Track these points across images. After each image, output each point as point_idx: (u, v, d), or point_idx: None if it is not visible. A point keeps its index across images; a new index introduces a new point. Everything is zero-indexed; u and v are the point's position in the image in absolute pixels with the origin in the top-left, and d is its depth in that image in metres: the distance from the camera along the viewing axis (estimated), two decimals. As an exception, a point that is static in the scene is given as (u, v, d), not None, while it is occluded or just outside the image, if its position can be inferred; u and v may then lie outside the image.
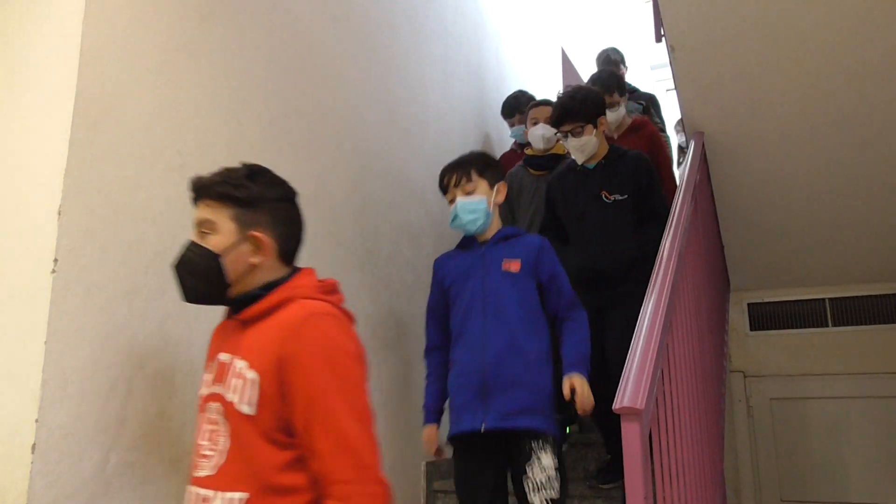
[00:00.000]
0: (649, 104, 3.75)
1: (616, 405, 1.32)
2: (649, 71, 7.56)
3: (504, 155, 3.68)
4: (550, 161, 3.09)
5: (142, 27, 1.61)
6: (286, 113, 2.11)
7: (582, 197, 2.58)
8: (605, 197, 2.52)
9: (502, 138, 3.93)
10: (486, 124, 3.81)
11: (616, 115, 3.05)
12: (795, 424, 3.84)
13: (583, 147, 2.53)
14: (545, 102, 3.18)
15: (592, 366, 2.03)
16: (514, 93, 3.66)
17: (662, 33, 2.64)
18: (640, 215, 2.51)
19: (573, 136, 2.52)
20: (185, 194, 1.68)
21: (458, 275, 2.10)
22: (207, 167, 1.76)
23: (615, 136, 3.06)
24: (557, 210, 2.68)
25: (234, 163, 1.85)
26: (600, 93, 2.71)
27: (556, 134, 2.65)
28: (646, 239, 2.42)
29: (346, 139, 2.44)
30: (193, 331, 1.66)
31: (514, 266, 2.02)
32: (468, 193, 2.05)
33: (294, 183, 2.11)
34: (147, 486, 1.48)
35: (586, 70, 5.77)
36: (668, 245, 1.96)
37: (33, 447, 1.27)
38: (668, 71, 2.80)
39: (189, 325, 1.65)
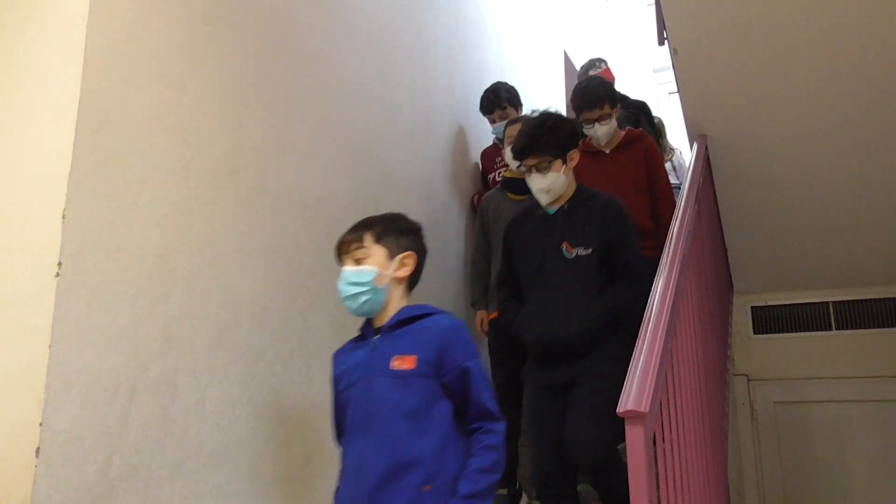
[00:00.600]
0: (640, 112, 3.54)
1: (620, 408, 1.31)
2: (652, 74, 7.57)
3: (484, 150, 3.58)
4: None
5: (145, 31, 1.62)
6: (289, 116, 2.11)
7: (539, 249, 2.18)
8: (567, 250, 2.13)
9: (505, 141, 3.93)
10: (489, 127, 3.81)
11: (607, 129, 2.77)
12: (799, 428, 3.82)
13: (549, 187, 2.14)
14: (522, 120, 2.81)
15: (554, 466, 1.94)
16: (492, 86, 3.40)
17: (665, 36, 2.63)
18: (610, 273, 2.13)
19: (538, 171, 2.14)
20: (189, 197, 1.69)
21: (347, 376, 1.64)
22: (210, 170, 1.77)
23: (607, 152, 2.82)
24: (514, 262, 2.27)
25: (236, 166, 1.86)
26: (577, 118, 2.39)
27: (518, 167, 2.26)
28: (613, 303, 2.07)
29: (349, 142, 2.44)
30: (197, 334, 1.66)
31: (406, 364, 1.53)
32: (357, 262, 1.64)
33: (297, 187, 2.13)
34: (151, 489, 1.48)
35: (589, 73, 5.75)
36: (671, 248, 1.95)
37: (37, 451, 1.27)
38: (671, 74, 2.80)
39: (193, 328, 1.65)
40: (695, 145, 2.85)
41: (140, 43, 1.60)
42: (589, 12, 6.66)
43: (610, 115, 2.77)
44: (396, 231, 1.70)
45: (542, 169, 2.13)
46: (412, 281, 1.72)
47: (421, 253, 1.73)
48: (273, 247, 1.97)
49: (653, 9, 3.13)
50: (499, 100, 3.32)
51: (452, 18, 3.53)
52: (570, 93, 2.95)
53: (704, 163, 2.81)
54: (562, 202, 2.20)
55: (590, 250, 2.11)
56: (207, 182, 1.75)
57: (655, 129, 3.68)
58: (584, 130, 2.80)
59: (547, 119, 2.18)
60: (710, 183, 3.03)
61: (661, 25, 2.66)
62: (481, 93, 3.52)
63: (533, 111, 2.33)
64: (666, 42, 2.66)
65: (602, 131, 2.76)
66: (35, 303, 1.34)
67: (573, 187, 2.23)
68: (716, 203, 3.23)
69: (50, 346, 1.31)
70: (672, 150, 4.37)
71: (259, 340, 1.86)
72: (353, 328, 2.34)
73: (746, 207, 3.29)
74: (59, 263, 1.35)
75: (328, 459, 2.06)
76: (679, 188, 4.26)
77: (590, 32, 6.52)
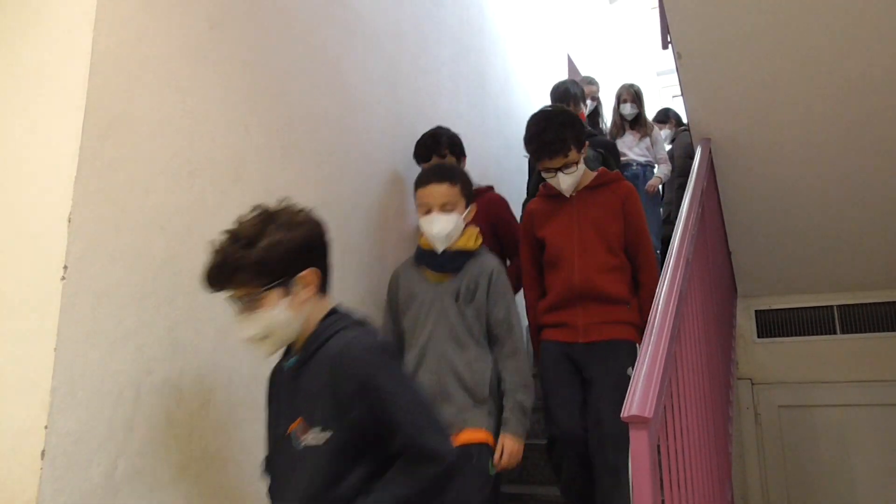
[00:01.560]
0: (609, 154, 3.11)
1: (624, 413, 1.31)
2: (655, 77, 7.56)
3: None
4: (455, 261, 2.14)
5: (150, 36, 1.62)
6: (293, 120, 2.12)
7: (279, 432, 1.41)
8: (296, 436, 1.34)
9: (508, 144, 3.93)
10: (492, 132, 3.81)
11: (574, 179, 2.24)
12: (803, 432, 3.81)
13: (264, 332, 1.35)
14: (436, 176, 2.15)
15: None
16: (432, 130, 2.79)
17: (669, 40, 2.64)
18: (383, 459, 1.30)
19: (246, 310, 1.35)
20: (194, 201, 1.70)
21: None
22: (215, 174, 1.78)
23: (573, 195, 2.29)
24: (269, 438, 1.48)
25: (241, 171, 1.87)
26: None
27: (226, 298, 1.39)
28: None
29: (354, 146, 2.44)
30: (202, 337, 1.66)
31: None
32: None
33: (301, 189, 2.13)
34: (155, 492, 1.49)
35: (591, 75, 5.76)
36: (675, 252, 1.95)
37: (42, 453, 1.27)
38: (675, 77, 2.80)
39: (197, 331, 1.65)
40: (699, 148, 2.85)
41: (145, 48, 1.61)
42: (593, 16, 6.66)
43: (576, 163, 2.22)
44: None
45: (250, 308, 1.34)
46: None
47: None
48: (277, 250, 1.97)
49: (656, 12, 3.13)
50: (438, 146, 2.70)
51: (457, 22, 3.53)
52: (526, 125, 2.33)
53: (708, 166, 2.81)
54: (299, 344, 1.41)
55: (329, 434, 1.30)
56: (212, 186, 1.76)
57: (611, 148, 3.46)
58: (545, 178, 2.32)
59: (243, 231, 1.36)
60: (713, 186, 3.02)
61: (665, 29, 2.67)
62: (484, 96, 3.53)
63: (257, 206, 1.44)
64: (670, 46, 2.66)
65: (567, 182, 2.23)
66: (40, 306, 1.35)
67: (318, 317, 1.40)
68: (719, 206, 3.23)
69: (55, 349, 1.32)
70: (651, 125, 4.40)
71: (263, 344, 1.86)
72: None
73: (750, 211, 3.29)
74: (65, 267, 1.35)
75: (332, 463, 2.06)
76: (654, 166, 4.29)
77: (593, 36, 6.53)
